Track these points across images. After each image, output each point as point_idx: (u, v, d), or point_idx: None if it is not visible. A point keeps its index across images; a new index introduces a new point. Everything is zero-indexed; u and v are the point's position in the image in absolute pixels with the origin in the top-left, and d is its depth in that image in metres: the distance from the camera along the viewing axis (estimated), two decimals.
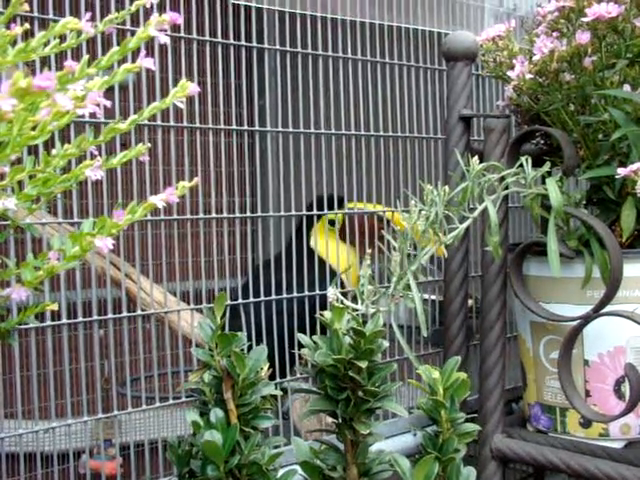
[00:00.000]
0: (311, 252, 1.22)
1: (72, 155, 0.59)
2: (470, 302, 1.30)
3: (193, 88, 0.58)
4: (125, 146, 0.78)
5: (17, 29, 0.57)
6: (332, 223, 1.36)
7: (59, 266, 0.58)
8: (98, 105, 0.54)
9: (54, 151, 0.59)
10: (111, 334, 0.99)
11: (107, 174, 0.96)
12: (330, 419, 0.86)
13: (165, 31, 0.52)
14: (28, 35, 0.60)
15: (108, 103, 0.57)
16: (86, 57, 0.50)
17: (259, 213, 1.12)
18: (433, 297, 1.33)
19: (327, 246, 1.30)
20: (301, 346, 0.83)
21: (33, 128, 0.53)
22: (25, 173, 0.57)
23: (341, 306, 0.80)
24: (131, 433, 1.11)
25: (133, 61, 0.63)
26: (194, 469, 0.85)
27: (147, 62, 0.53)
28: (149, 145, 0.70)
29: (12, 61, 0.50)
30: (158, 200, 0.58)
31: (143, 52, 0.53)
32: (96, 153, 0.67)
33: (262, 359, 0.84)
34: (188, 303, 1.09)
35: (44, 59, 0.79)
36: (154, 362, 1.02)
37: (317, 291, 1.15)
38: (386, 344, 0.81)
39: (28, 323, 0.87)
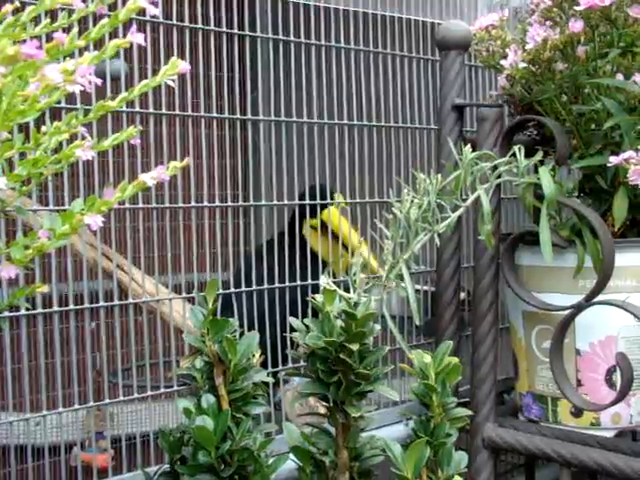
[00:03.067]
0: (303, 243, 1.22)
1: (62, 132, 0.59)
2: (462, 295, 1.30)
3: (184, 66, 0.57)
4: None
5: (7, 6, 0.57)
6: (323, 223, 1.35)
7: (49, 244, 0.58)
8: (89, 82, 0.54)
9: (44, 128, 0.58)
10: (102, 325, 0.98)
11: (99, 166, 0.96)
12: (322, 409, 0.86)
13: (155, 4, 0.51)
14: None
15: (99, 81, 0.57)
16: (75, 30, 0.50)
17: (251, 202, 1.12)
18: (425, 288, 1.33)
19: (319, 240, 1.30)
20: (293, 331, 0.83)
21: (23, 104, 0.52)
22: (15, 150, 0.57)
23: (333, 289, 0.80)
24: (123, 425, 1.11)
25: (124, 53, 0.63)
26: (185, 455, 0.84)
27: (137, 37, 0.52)
28: (141, 128, 0.70)
29: (1, 35, 0.50)
30: (149, 178, 0.58)
31: (134, 27, 0.53)
32: (87, 135, 0.67)
33: (254, 345, 0.84)
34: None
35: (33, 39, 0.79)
36: (146, 353, 1.02)
37: (309, 280, 1.15)
38: (378, 327, 0.81)
39: (19, 307, 0.87)
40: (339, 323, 0.79)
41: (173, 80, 0.59)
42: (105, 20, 0.52)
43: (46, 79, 0.47)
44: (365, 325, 0.78)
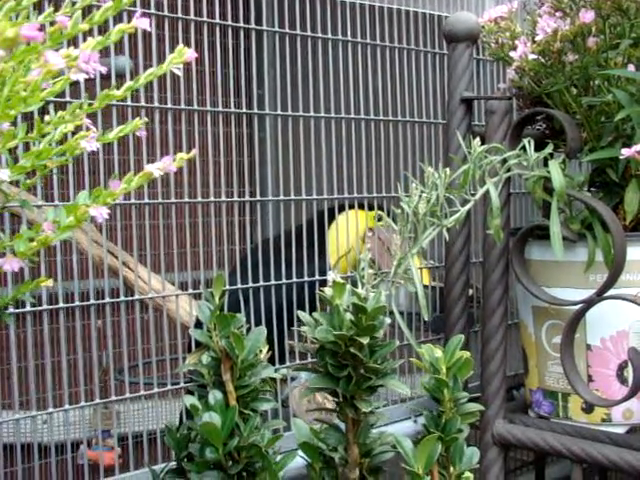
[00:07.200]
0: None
1: (67, 122, 0.57)
2: (471, 291, 1.29)
3: (190, 54, 0.56)
4: None
5: None
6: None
7: (53, 237, 0.57)
8: (93, 70, 0.53)
9: (47, 118, 0.57)
10: (109, 323, 0.97)
11: (104, 163, 0.95)
12: (329, 404, 0.85)
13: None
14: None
15: (104, 69, 0.56)
16: (79, 12, 0.49)
17: (258, 197, 1.11)
18: (434, 283, 1.32)
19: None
20: (301, 324, 0.82)
21: (25, 91, 0.51)
22: (17, 140, 0.56)
23: (342, 282, 0.79)
24: (129, 424, 1.10)
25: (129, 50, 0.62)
26: (193, 452, 0.83)
27: (142, 22, 0.51)
28: (146, 119, 0.69)
29: (1, 19, 0.49)
30: (155, 168, 0.57)
31: (138, 12, 0.51)
32: (92, 127, 0.66)
33: (261, 340, 0.83)
34: None
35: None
36: (152, 350, 1.01)
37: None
38: (388, 320, 0.80)
39: (25, 304, 0.86)
40: (348, 316, 0.78)
41: (179, 69, 0.58)
42: (109, 3, 0.51)
43: (48, 65, 0.46)
44: (375, 318, 0.77)
